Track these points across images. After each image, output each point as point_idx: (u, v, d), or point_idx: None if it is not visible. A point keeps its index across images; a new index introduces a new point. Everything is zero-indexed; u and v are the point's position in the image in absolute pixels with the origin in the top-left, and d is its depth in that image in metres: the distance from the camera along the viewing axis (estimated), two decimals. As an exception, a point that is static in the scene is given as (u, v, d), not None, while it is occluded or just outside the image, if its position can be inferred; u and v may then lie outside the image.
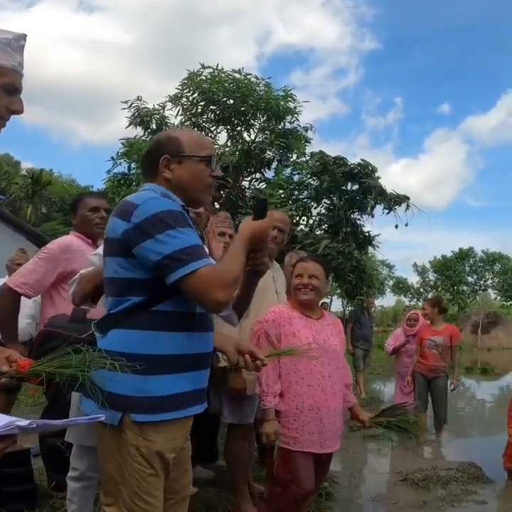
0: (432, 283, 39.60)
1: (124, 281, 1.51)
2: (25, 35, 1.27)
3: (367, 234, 8.65)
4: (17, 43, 1.24)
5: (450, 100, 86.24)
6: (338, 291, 13.99)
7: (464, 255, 37.96)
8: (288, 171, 8.98)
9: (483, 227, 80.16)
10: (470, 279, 38.00)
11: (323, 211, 8.78)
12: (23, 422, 1.03)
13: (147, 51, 73.48)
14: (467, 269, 38.12)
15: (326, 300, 19.27)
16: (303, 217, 8.98)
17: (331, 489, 3.61)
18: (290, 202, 8.63)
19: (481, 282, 37.96)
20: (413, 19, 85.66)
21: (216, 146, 9.15)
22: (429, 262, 39.65)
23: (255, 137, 9.23)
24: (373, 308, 10.63)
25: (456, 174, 77.84)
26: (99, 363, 1.30)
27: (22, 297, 2.81)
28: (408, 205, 8.42)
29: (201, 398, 1.62)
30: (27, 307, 3.78)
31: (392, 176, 71.87)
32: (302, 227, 8.85)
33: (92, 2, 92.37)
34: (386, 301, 42.21)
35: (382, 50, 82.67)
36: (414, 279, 43.03)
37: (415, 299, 38.50)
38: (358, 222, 8.68)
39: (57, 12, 78.04)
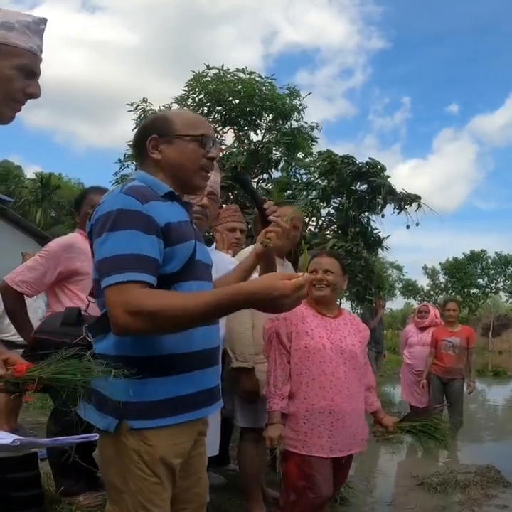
0: (442, 285, 39.35)
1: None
2: (45, 20, 1.26)
3: (376, 235, 8.54)
4: (36, 26, 1.24)
5: (458, 99, 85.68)
6: (347, 293, 13.86)
7: (475, 257, 37.67)
8: (294, 169, 8.91)
9: (494, 230, 79.13)
10: (481, 281, 37.71)
11: (332, 211, 8.70)
12: (7, 440, 0.96)
13: (151, 51, 73.35)
14: (478, 271, 37.82)
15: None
16: (312, 218, 8.90)
17: (346, 494, 3.49)
18: (298, 202, 8.55)
19: (492, 285, 37.65)
20: (421, 18, 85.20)
21: (223, 147, 9.10)
22: (440, 264, 39.44)
23: (262, 137, 9.18)
24: (383, 311, 10.47)
25: (465, 175, 77.07)
26: (97, 370, 1.21)
27: (32, 299, 2.75)
28: (419, 205, 8.31)
29: (211, 398, 1.51)
30: (41, 309, 3.72)
31: (401, 177, 71.44)
32: (311, 228, 8.77)
33: (94, 1, 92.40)
34: (395, 304, 41.88)
35: (389, 48, 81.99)
36: (424, 282, 42.70)
37: (425, 302, 38.25)
38: (368, 222, 8.59)
39: (60, 13, 77.69)
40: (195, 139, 1.49)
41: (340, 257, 2.73)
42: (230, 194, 8.55)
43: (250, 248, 3.05)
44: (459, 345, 5.77)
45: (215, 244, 3.11)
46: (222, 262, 2.36)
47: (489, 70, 79.37)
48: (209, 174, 1.57)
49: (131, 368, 1.30)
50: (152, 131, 1.50)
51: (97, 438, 1.16)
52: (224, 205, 8.17)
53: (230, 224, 3.11)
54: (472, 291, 37.03)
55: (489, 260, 37.42)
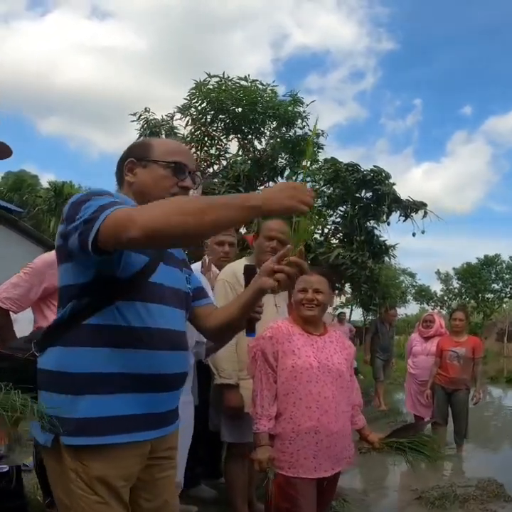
0: (455, 291, 38.95)
1: (59, 289, 1.44)
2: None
3: (383, 243, 8.50)
4: None
5: (471, 101, 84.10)
6: (358, 300, 13.79)
7: (489, 262, 37.26)
8: (300, 177, 8.90)
9: (509, 233, 77.55)
10: (496, 286, 37.23)
11: (338, 219, 8.68)
12: None
13: (161, 57, 72.90)
14: (493, 276, 37.36)
15: (345, 310, 19.04)
16: (318, 226, 8.88)
17: (341, 509, 3.46)
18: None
19: (507, 289, 37.13)
20: (428, 19, 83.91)
21: (228, 155, 9.12)
22: (453, 269, 39.07)
23: (266, 145, 9.20)
24: (395, 320, 10.39)
25: (479, 177, 75.44)
26: (30, 406, 1.26)
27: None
28: (425, 212, 8.27)
29: (158, 423, 1.47)
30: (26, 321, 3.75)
31: (414, 181, 70.31)
32: (317, 236, 8.75)
33: (103, 8, 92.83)
34: (409, 309, 41.37)
35: (399, 50, 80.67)
36: (437, 287, 42.21)
37: (438, 307, 37.86)
38: (374, 230, 8.55)
39: (70, 19, 77.98)
40: (168, 165, 1.49)
41: (328, 272, 2.70)
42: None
43: (243, 260, 3.03)
44: (464, 355, 5.67)
45: (202, 260, 3.11)
46: None
47: (501, 71, 78.08)
48: None
49: (68, 383, 1.34)
50: (131, 155, 1.54)
51: (5, 470, 1.18)
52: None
53: (217, 237, 3.11)
54: (487, 296, 36.57)
55: (504, 265, 36.95)
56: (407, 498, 3.98)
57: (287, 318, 2.64)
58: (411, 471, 4.68)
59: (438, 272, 40.31)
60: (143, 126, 8.85)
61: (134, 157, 1.52)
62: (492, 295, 37.15)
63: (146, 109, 8.91)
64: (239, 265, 2.84)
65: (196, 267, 3.06)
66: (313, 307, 2.47)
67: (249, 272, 1.62)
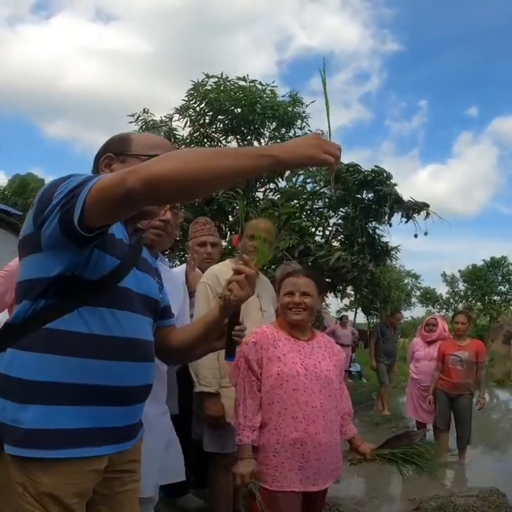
0: (461, 293, 38.70)
1: (19, 284, 1.32)
2: None
3: (385, 245, 8.35)
4: None
5: (476, 101, 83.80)
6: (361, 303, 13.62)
7: (496, 264, 36.99)
8: (300, 178, 8.78)
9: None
10: (502, 288, 36.94)
11: (339, 221, 8.55)
12: None
13: (167, 59, 73.51)
14: (499, 278, 37.07)
15: (348, 313, 18.83)
16: (319, 228, 8.75)
17: (335, 520, 3.34)
18: (304, 213, 8.41)
19: (514, 291, 36.85)
20: (434, 20, 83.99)
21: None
22: (459, 271, 38.83)
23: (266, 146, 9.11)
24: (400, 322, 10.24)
25: (486, 179, 74.89)
26: None
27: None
28: (428, 213, 8.12)
29: (116, 438, 1.35)
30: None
31: (419, 182, 70.16)
32: (318, 238, 8.62)
33: (107, 11, 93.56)
34: (415, 312, 41.08)
35: (404, 51, 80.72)
36: (443, 290, 41.94)
37: (444, 310, 37.65)
38: (376, 232, 8.41)
39: (75, 23, 79.11)
40: (148, 158, 1.34)
41: (316, 274, 2.58)
42: (234, 205, 8.48)
43: (227, 262, 2.92)
44: (467, 359, 5.53)
45: (187, 260, 3.01)
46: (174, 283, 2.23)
47: (507, 72, 77.85)
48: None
49: (16, 389, 1.23)
50: (109, 150, 1.46)
51: None
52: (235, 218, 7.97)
53: (198, 238, 3.00)
54: (493, 298, 36.30)
55: (510, 267, 36.67)
56: (404, 509, 3.85)
57: (272, 322, 2.52)
58: (409, 479, 4.59)
59: (444, 274, 40.13)
60: (141, 127, 8.78)
61: (112, 152, 1.44)
62: (498, 297, 36.84)
63: (144, 109, 8.85)
64: (221, 267, 2.73)
65: (180, 269, 2.96)
66: (300, 311, 2.34)
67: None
